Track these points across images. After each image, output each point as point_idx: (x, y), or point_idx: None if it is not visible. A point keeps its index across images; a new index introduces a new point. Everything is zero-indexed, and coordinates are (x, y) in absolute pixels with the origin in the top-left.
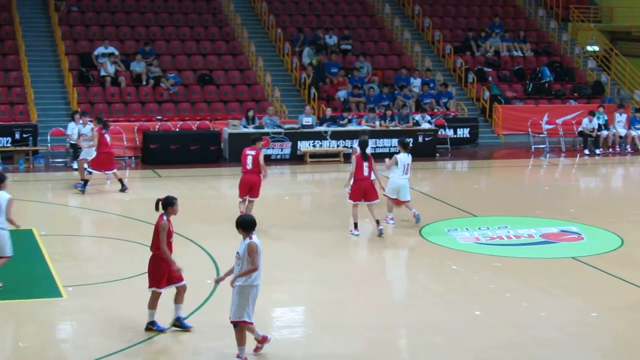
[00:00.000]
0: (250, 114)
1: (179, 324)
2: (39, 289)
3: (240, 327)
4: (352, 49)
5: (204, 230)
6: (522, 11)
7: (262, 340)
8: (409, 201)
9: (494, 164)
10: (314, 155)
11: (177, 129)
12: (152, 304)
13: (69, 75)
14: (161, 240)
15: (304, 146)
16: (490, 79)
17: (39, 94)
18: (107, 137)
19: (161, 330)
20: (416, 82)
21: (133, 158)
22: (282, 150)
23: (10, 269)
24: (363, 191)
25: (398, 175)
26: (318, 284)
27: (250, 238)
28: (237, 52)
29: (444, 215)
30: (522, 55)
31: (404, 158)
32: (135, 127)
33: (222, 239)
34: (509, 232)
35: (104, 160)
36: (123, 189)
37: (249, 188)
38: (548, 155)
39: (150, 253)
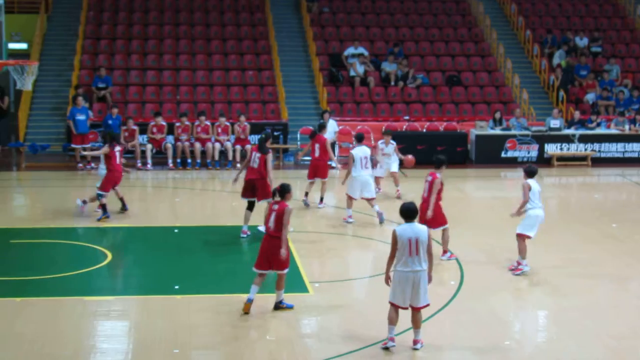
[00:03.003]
0: (498, 115)
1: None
2: (287, 284)
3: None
4: (602, 51)
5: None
6: None
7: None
8: (373, 198)
9: None
10: (561, 159)
11: (424, 130)
12: (281, 285)
13: (319, 75)
14: (284, 224)
15: (551, 149)
16: None
17: (290, 93)
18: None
19: (290, 307)
20: None
21: None
22: (529, 153)
23: None
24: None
25: (357, 171)
26: (560, 289)
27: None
28: (486, 53)
29: None
30: None
31: (360, 152)
32: (383, 127)
33: (466, 241)
34: None
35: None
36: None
37: None
38: None
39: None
